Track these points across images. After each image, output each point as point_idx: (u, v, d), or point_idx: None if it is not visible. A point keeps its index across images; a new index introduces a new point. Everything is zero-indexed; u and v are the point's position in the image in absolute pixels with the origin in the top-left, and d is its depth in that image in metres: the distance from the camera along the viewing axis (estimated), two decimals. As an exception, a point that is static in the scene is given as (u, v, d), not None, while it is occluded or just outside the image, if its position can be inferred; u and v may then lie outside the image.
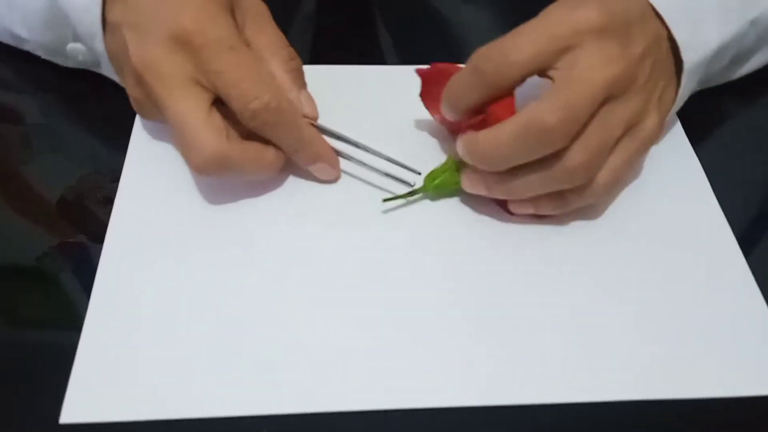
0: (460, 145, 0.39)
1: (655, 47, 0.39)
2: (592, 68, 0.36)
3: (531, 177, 0.38)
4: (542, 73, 0.37)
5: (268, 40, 0.42)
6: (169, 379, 0.34)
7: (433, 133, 0.46)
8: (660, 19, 0.40)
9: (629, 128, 0.38)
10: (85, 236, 0.40)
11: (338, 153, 0.43)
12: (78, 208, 0.41)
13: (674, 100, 0.42)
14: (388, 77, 0.50)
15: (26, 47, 0.48)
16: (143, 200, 0.41)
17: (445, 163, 0.42)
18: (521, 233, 0.41)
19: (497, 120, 0.37)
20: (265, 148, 0.41)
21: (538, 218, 0.41)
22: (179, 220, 0.40)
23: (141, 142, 0.44)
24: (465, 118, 0.39)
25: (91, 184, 0.42)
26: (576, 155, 0.36)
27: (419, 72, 0.44)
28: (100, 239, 0.39)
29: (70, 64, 0.47)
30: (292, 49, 0.43)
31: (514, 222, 0.41)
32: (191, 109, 0.38)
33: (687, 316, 0.38)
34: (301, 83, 0.44)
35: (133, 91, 0.40)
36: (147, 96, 0.39)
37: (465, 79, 0.38)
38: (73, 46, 0.45)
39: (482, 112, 0.39)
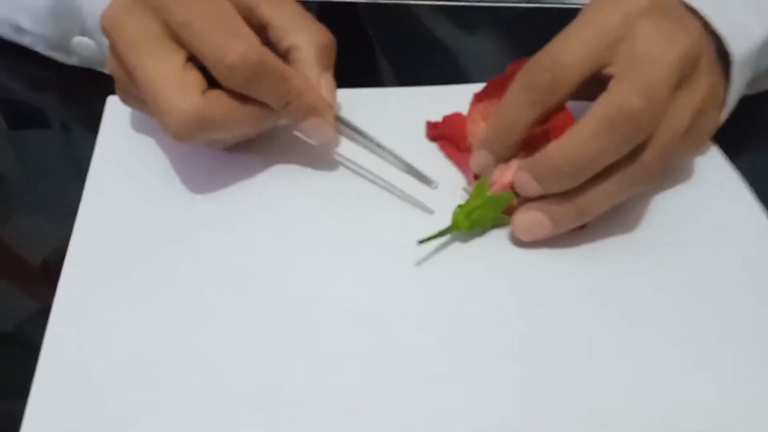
0: (524, 173, 0.36)
1: (705, 36, 0.36)
2: (658, 46, 0.33)
3: (605, 186, 0.35)
4: (600, 72, 0.35)
5: (291, 12, 0.39)
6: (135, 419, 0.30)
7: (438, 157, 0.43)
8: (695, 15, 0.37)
9: (695, 118, 0.35)
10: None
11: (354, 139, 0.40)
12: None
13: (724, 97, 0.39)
14: (388, 99, 0.47)
15: (26, 40, 0.46)
16: (106, 229, 0.37)
17: (475, 197, 0.38)
18: (553, 263, 0.37)
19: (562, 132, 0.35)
20: (247, 104, 0.36)
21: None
22: (150, 254, 0.36)
23: (105, 161, 0.41)
24: (517, 149, 0.37)
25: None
26: (652, 149, 0.34)
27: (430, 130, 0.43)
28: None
29: (73, 61, 0.45)
30: (322, 25, 0.40)
31: (543, 251, 0.38)
32: (161, 67, 0.35)
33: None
34: (327, 64, 0.40)
35: (110, 65, 0.38)
36: (120, 63, 0.36)
37: (517, 99, 0.36)
38: (79, 40, 0.43)
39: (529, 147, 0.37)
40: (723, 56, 0.38)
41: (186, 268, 0.36)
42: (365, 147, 0.40)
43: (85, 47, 0.43)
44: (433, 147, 0.44)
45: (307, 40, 0.39)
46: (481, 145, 0.38)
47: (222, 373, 0.32)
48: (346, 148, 0.41)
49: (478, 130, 0.40)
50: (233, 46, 0.34)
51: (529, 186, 0.36)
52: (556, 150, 0.34)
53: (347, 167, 0.42)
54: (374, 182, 0.41)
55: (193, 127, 0.35)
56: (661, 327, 0.34)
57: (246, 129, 0.38)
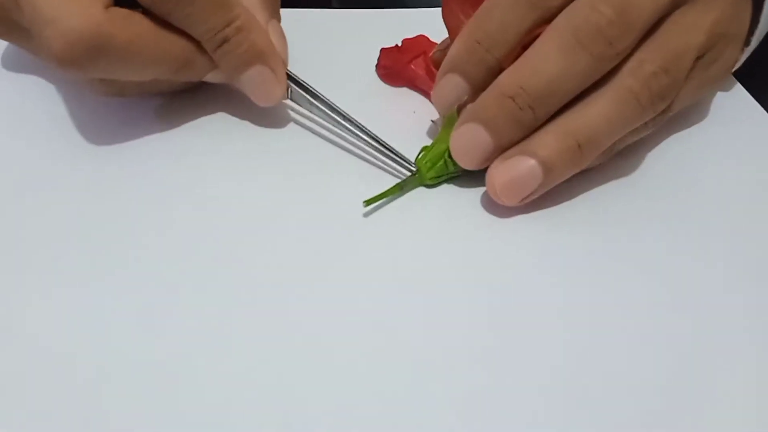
0: (466, 126, 0.29)
1: None
2: None
3: (602, 105, 0.28)
4: None
5: None
6: None
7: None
8: None
9: (713, 41, 0.29)
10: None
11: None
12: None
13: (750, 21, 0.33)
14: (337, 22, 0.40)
15: None
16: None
17: (442, 139, 0.30)
18: (544, 224, 0.29)
19: None
20: (167, 32, 0.29)
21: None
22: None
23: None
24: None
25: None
26: (653, 60, 0.27)
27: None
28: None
29: None
30: None
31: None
32: None
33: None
34: (273, 9, 0.33)
35: None
36: None
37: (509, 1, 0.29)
38: None
39: None
40: None
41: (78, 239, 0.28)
42: (323, 119, 0.32)
43: None
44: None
45: None
46: (450, 67, 0.30)
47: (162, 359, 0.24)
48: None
49: (461, 29, 0.30)
50: None
51: (476, 140, 0.28)
52: (509, 77, 0.28)
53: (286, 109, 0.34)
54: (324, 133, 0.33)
55: (84, 49, 0.26)
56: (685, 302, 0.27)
57: (158, 70, 0.29)
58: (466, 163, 0.29)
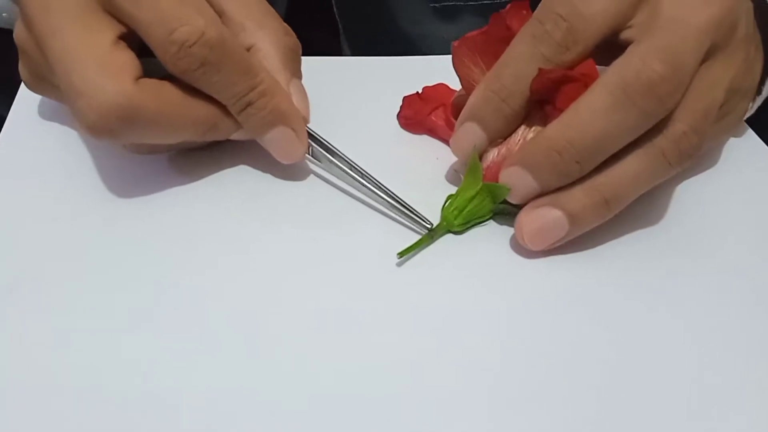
0: (514, 169, 0.29)
1: (744, 2, 0.31)
2: (686, 9, 0.28)
3: (633, 164, 0.29)
4: (617, 37, 0.30)
5: (253, 6, 0.33)
6: None
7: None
8: None
9: (729, 95, 0.30)
10: None
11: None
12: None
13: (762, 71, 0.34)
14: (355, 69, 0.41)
15: None
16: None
17: (467, 186, 0.31)
18: (567, 269, 0.30)
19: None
20: (194, 99, 0.30)
21: None
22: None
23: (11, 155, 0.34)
24: (517, 122, 0.31)
25: None
26: (685, 120, 0.28)
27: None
28: None
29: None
30: (286, 25, 0.34)
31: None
32: (83, 39, 0.27)
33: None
34: (294, 69, 0.34)
35: (17, 31, 0.31)
36: (30, 30, 0.29)
37: (522, 53, 0.30)
38: None
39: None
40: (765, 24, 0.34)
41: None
42: (342, 177, 0.33)
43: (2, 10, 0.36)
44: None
45: (270, 40, 0.33)
46: (469, 116, 0.31)
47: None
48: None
49: (471, 78, 0.32)
50: (187, 19, 0.28)
51: (522, 184, 0.29)
52: (557, 130, 0.28)
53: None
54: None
55: (115, 120, 0.27)
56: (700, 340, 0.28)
57: (186, 134, 0.30)
58: (512, 198, 0.30)
